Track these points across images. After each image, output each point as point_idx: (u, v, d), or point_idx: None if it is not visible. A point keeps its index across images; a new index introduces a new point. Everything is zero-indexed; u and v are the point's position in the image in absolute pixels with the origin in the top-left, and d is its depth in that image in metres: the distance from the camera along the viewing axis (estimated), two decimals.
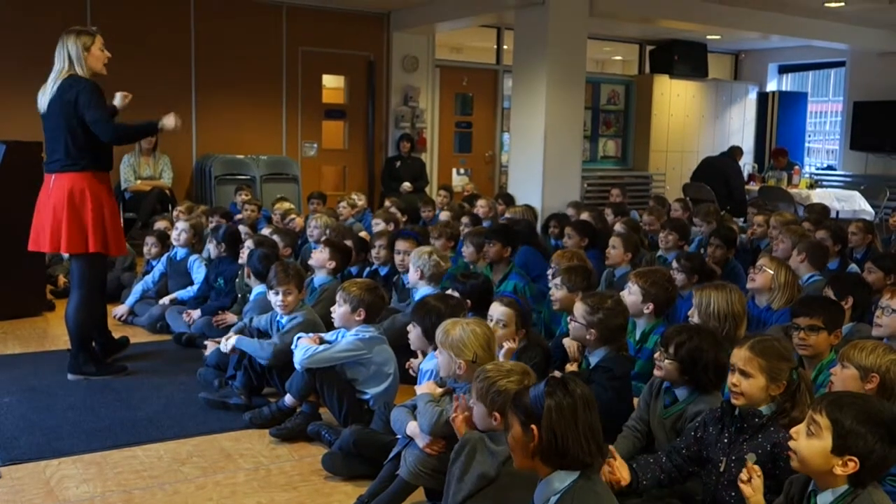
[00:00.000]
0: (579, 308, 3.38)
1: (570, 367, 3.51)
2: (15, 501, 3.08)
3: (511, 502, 2.53)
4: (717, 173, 10.57)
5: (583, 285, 4.01)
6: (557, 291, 4.12)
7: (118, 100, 4.60)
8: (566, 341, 3.65)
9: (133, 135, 4.56)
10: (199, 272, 5.77)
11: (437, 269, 4.58)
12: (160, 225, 6.66)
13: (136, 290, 5.93)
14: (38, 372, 4.61)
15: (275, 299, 4.17)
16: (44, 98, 4.31)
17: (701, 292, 3.66)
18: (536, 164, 8.58)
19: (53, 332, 5.51)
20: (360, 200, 8.40)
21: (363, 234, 6.64)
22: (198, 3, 9.36)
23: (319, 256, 5.14)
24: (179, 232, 5.92)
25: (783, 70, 13.87)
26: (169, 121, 4.47)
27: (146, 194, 8.44)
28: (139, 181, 8.54)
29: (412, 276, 4.67)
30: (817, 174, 12.51)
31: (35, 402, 4.10)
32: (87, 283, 4.47)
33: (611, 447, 2.63)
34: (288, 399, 3.83)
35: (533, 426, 2.13)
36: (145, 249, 6.30)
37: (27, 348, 5.10)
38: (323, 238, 5.79)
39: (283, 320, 4.18)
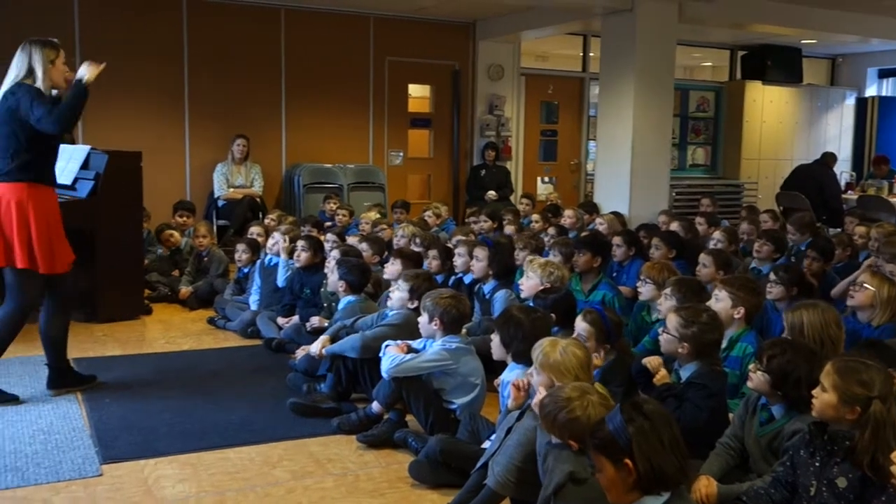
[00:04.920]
0: (673, 320, 3.31)
1: (661, 377, 3.41)
2: (116, 499, 3.20)
3: None
4: (812, 181, 10.21)
5: (694, 298, 3.89)
6: (666, 302, 4.04)
7: (85, 70, 4.09)
8: (645, 361, 3.52)
9: (71, 108, 4.03)
10: (282, 271, 5.86)
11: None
12: (252, 232, 6.83)
13: (254, 300, 6.03)
14: (136, 373, 4.77)
15: (398, 295, 4.28)
16: None
17: (793, 313, 3.46)
18: (623, 173, 8.47)
19: (151, 336, 5.70)
20: (442, 210, 8.45)
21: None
22: (288, 16, 9.59)
23: (392, 268, 5.17)
24: (275, 242, 6.03)
25: (883, 74, 13.32)
26: (84, 71, 4.08)
27: (238, 202, 8.69)
28: (231, 189, 8.80)
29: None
30: None
31: (133, 403, 4.25)
32: (15, 298, 4.15)
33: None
34: (375, 406, 3.87)
35: (626, 461, 2.08)
36: (236, 256, 6.47)
37: (125, 350, 5.29)
38: (394, 249, 5.83)
39: (390, 312, 4.24)
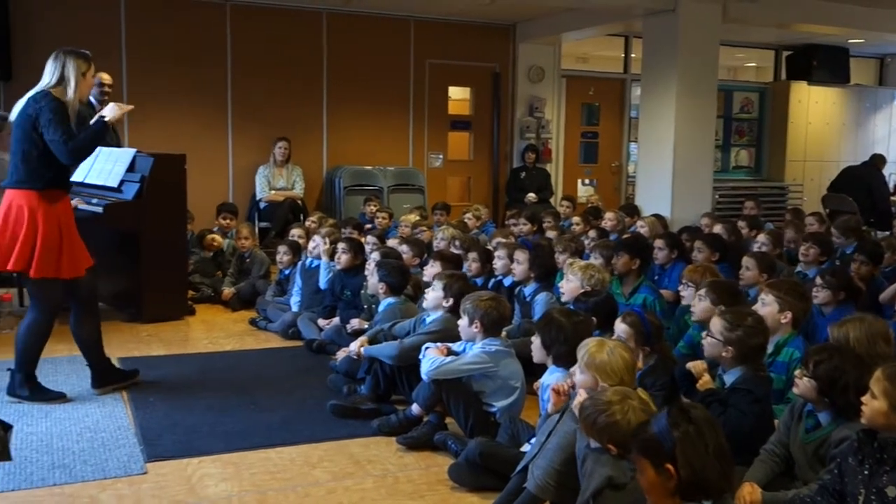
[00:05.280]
0: (717, 324, 3.26)
1: (705, 382, 3.36)
2: (160, 497, 3.24)
3: None
4: (860, 183, 10.02)
5: (729, 301, 3.84)
6: (700, 303, 4.00)
7: (111, 110, 4.22)
8: (690, 365, 3.48)
9: (88, 144, 4.11)
10: (324, 273, 5.90)
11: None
12: (293, 234, 6.89)
13: (296, 301, 6.08)
14: (180, 373, 4.84)
15: (433, 295, 4.30)
16: (16, 109, 4.13)
17: (838, 328, 3.30)
18: (665, 175, 8.39)
19: (194, 336, 5.78)
20: (482, 214, 8.45)
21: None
22: (330, 19, 9.66)
23: (432, 270, 5.17)
24: (316, 244, 6.08)
25: None
26: (109, 111, 4.18)
27: (279, 204, 8.77)
28: (273, 192, 8.88)
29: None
30: None
31: (176, 402, 4.31)
32: (35, 306, 4.21)
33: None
34: (415, 408, 3.88)
35: (668, 465, 2.04)
36: (277, 258, 6.53)
37: (169, 350, 5.37)
38: (434, 252, 5.84)
39: (428, 319, 4.26)
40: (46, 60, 4.12)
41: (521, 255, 5.19)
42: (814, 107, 12.19)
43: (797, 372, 2.86)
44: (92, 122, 4.16)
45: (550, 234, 7.13)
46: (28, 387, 4.24)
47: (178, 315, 6.20)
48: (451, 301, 4.20)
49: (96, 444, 3.72)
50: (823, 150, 12.35)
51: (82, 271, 4.26)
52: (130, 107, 4.33)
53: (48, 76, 4.10)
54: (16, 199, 4.10)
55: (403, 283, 4.92)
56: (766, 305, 3.74)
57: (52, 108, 4.00)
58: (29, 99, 4.08)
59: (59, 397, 4.29)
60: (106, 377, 4.46)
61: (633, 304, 4.81)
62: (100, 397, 4.35)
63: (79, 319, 4.37)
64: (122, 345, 5.35)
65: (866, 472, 2.44)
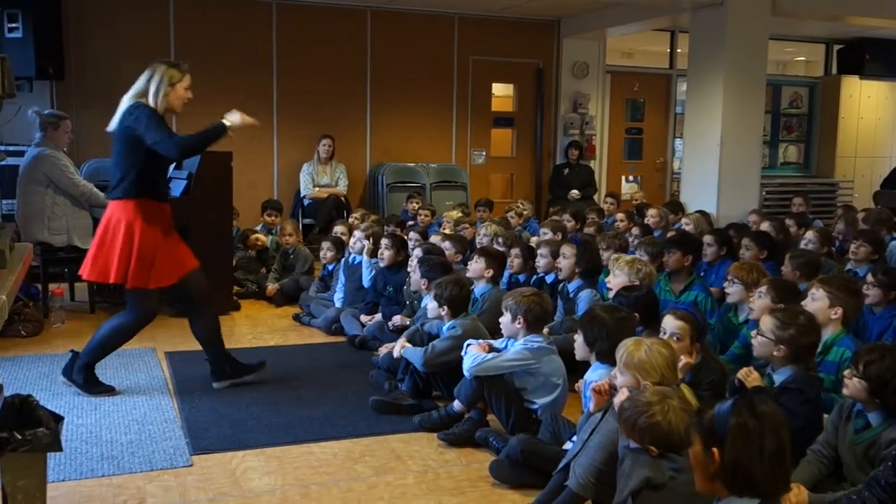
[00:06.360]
0: (768, 322, 3.20)
1: (754, 379, 3.28)
2: (205, 488, 3.29)
3: None
4: None
5: (789, 300, 3.77)
6: (759, 301, 3.94)
7: (235, 117, 4.22)
8: (740, 374, 3.36)
9: (199, 143, 4.17)
10: (366, 271, 5.93)
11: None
12: (336, 230, 6.94)
13: (339, 297, 6.13)
14: None
15: (430, 306, 4.31)
16: (114, 120, 4.20)
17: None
18: (712, 172, 8.28)
19: (239, 331, 5.85)
20: (525, 209, 8.42)
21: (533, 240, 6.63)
22: (374, 17, 9.70)
23: (476, 266, 5.17)
24: (356, 240, 6.12)
25: None
26: (234, 117, 4.20)
27: (323, 201, 8.83)
28: (317, 189, 8.95)
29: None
30: None
31: (222, 397, 4.37)
32: (130, 311, 4.33)
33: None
34: (457, 405, 3.88)
35: (714, 449, 1.99)
36: (321, 254, 6.58)
37: None
38: (478, 247, 5.82)
39: (444, 328, 4.25)
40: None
41: (568, 250, 5.16)
42: (865, 101, 11.91)
43: (846, 372, 2.80)
44: (210, 126, 4.18)
45: (588, 229, 7.04)
46: (84, 375, 4.34)
47: (224, 310, 6.25)
48: (445, 309, 4.20)
49: (143, 437, 3.79)
50: (875, 146, 12.06)
51: (174, 279, 4.32)
52: (256, 122, 4.33)
53: (137, 85, 4.17)
54: (115, 211, 4.19)
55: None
56: (816, 301, 3.67)
57: (146, 115, 4.06)
58: (123, 112, 4.15)
59: (108, 391, 4.38)
60: (222, 371, 4.53)
61: (685, 302, 4.75)
62: (147, 390, 4.44)
63: (191, 319, 4.52)
64: (168, 339, 5.44)
65: None
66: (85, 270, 4.27)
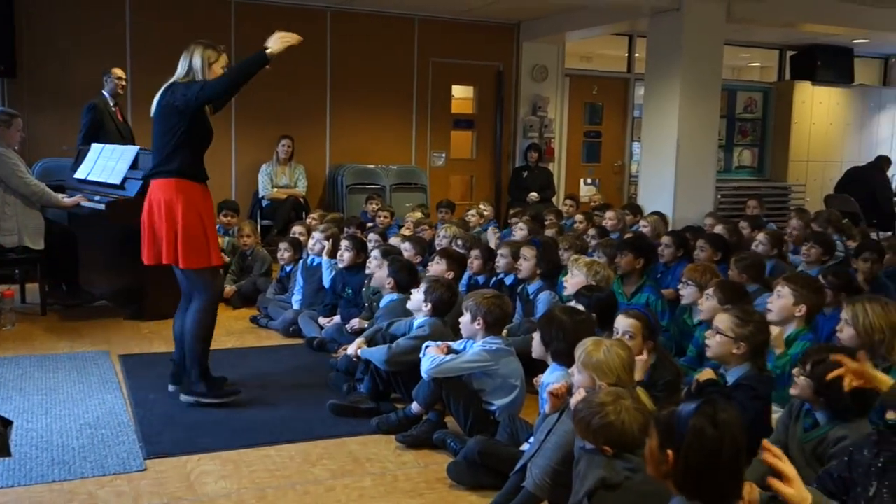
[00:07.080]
0: (726, 320, 3.25)
1: (706, 374, 3.34)
2: (159, 493, 3.25)
3: None
4: (863, 184, 10.01)
5: (736, 301, 3.82)
6: (707, 302, 4.00)
7: (275, 41, 3.95)
8: (697, 378, 3.45)
9: (243, 71, 3.98)
10: (326, 272, 5.90)
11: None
12: (294, 231, 6.89)
13: (297, 299, 6.08)
14: None
15: (416, 297, 4.30)
16: (153, 106, 4.17)
17: (853, 305, 3.32)
18: (668, 175, 8.38)
19: None
20: (486, 210, 8.45)
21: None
22: (334, 18, 9.66)
23: (437, 268, 5.17)
24: (316, 241, 6.09)
25: None
26: (274, 42, 3.95)
27: (282, 202, 8.76)
28: (276, 189, 8.88)
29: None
30: None
31: (176, 400, 4.29)
32: (199, 295, 4.26)
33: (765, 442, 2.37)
34: (415, 406, 3.87)
35: (669, 451, 1.98)
36: (278, 255, 6.52)
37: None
38: (438, 249, 5.84)
39: (415, 322, 4.25)
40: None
41: (528, 252, 5.19)
42: (818, 107, 12.17)
43: (795, 370, 2.86)
44: (252, 56, 3.98)
45: (549, 231, 7.10)
46: (205, 383, 4.23)
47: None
48: (429, 306, 4.21)
49: (96, 441, 3.72)
50: (827, 151, 12.32)
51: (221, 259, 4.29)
52: (297, 38, 4.00)
53: (179, 69, 4.11)
54: (154, 192, 4.13)
55: (412, 281, 4.90)
56: (782, 297, 3.74)
57: (186, 85, 4.03)
58: (164, 91, 4.10)
59: (234, 394, 4.28)
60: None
61: (636, 304, 4.80)
62: (100, 394, 4.36)
63: (183, 314, 4.38)
64: (123, 342, 5.36)
65: (880, 465, 2.43)
66: (143, 256, 4.23)
